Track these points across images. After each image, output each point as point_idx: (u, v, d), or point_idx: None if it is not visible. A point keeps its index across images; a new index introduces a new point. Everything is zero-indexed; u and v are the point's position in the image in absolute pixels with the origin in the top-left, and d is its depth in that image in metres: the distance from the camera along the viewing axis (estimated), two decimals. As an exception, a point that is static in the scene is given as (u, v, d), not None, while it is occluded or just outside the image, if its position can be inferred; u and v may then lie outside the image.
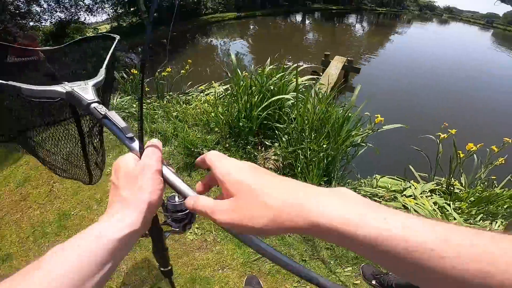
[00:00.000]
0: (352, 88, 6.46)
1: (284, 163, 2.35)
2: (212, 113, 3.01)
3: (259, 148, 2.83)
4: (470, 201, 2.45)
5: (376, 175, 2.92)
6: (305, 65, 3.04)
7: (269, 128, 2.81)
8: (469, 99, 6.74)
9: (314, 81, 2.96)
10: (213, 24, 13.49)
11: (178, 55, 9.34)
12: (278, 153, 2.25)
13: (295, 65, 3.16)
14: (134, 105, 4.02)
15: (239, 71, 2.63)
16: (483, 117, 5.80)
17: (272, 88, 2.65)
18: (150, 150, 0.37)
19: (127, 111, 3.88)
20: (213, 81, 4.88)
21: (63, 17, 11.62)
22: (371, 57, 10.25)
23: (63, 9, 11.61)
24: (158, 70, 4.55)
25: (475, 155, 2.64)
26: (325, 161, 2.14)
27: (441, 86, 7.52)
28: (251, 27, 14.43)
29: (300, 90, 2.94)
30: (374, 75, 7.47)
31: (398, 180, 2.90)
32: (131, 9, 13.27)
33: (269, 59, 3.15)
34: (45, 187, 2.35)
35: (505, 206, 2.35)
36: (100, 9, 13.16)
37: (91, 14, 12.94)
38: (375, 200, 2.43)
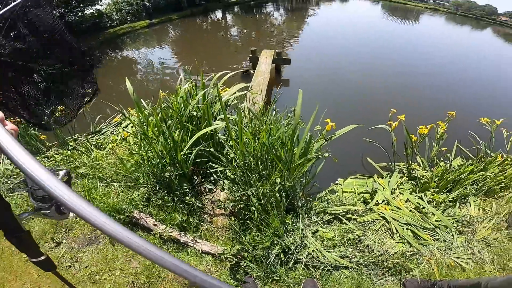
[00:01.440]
0: (287, 81, 6.24)
1: (235, 209, 1.82)
2: (129, 163, 2.25)
3: (202, 190, 2.23)
4: (435, 182, 2.34)
5: (339, 179, 2.66)
6: (231, 73, 2.48)
7: (207, 162, 2.22)
8: (399, 74, 7.23)
9: (245, 91, 2.45)
10: (123, 36, 11.84)
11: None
12: (224, 204, 1.70)
13: (219, 74, 2.57)
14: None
15: (143, 102, 1.93)
16: (415, 89, 6.27)
17: (194, 113, 2.04)
18: None
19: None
20: (129, 108, 3.96)
21: None
22: (295, 43, 10.41)
23: None
24: (48, 111, 3.44)
25: (426, 138, 2.56)
26: (283, 196, 1.69)
27: (367, 63, 7.98)
28: (170, 32, 13.24)
29: (229, 109, 2.41)
30: (303, 63, 7.42)
31: (362, 178, 2.69)
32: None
33: (181, 75, 2.50)
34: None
35: (470, 182, 2.30)
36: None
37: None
38: (350, 219, 2.12)
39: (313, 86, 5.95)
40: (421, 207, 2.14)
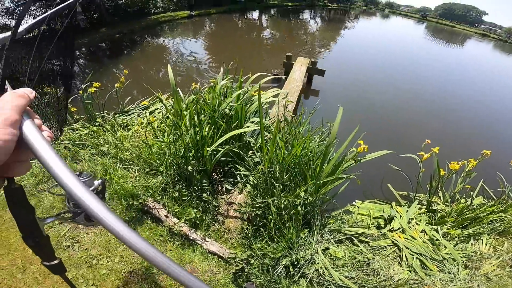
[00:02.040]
0: (316, 92, 6.16)
1: (252, 215, 1.81)
2: (154, 147, 2.30)
3: (220, 189, 2.24)
4: (453, 217, 2.26)
5: (357, 201, 2.59)
6: (270, 76, 2.49)
7: (230, 161, 2.23)
8: (437, 99, 6.95)
9: (280, 97, 2.44)
10: (163, 24, 12.29)
11: (122, 60, 8.09)
12: (243, 208, 1.70)
13: (255, 75, 2.59)
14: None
15: (180, 91, 1.96)
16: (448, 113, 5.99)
17: (228, 111, 2.06)
18: (7, 96, 0.31)
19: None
20: (160, 93, 4.06)
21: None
22: (327, 53, 10.27)
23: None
24: (84, 86, 3.59)
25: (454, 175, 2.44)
26: (303, 210, 1.66)
27: (401, 83, 7.72)
28: (207, 25, 13.55)
29: (264, 114, 2.40)
30: (333, 74, 7.28)
31: (379, 204, 2.61)
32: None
33: (221, 70, 2.53)
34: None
35: (488, 222, 2.20)
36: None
37: (12, 18, 10.55)
38: (362, 241, 2.07)
39: (342, 100, 5.84)
40: (435, 239, 2.09)
